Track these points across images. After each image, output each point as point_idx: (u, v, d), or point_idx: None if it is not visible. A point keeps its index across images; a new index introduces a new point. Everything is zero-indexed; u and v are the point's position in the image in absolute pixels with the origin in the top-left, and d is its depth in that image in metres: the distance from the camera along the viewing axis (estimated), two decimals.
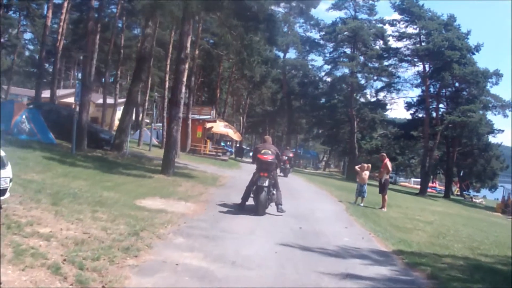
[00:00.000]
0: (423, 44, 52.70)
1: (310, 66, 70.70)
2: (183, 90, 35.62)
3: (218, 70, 66.13)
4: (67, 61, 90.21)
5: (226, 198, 15.62)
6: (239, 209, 13.66)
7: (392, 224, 15.32)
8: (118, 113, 70.36)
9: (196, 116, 46.86)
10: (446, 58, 49.41)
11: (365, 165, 20.96)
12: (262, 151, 13.99)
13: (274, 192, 14.04)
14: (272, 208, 14.04)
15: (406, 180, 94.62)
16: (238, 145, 71.25)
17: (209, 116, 47.96)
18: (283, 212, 13.68)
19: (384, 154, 20.94)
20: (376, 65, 61.40)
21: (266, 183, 13.34)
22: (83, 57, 25.47)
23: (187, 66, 36.42)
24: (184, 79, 35.74)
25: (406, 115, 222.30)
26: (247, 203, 13.92)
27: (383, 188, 19.84)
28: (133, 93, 27.37)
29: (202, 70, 70.43)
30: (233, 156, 59.75)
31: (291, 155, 37.37)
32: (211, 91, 71.11)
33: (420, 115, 58.38)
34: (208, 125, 50.25)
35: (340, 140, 74.93)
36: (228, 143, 72.99)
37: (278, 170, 16.86)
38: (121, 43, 52.19)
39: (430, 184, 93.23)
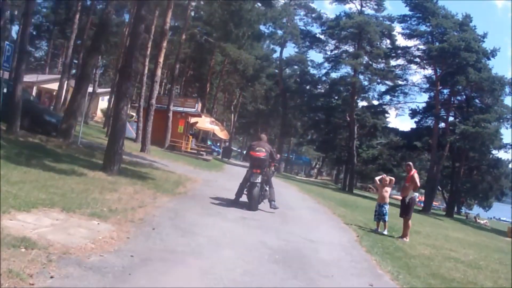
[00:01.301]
0: (436, 44, 47.17)
1: (309, 63, 64.29)
2: (159, 72, 30.62)
3: (210, 63, 61.01)
4: (55, 48, 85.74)
5: (180, 214, 10.34)
6: (233, 204, 13.66)
7: (433, 272, 9.96)
8: (101, 103, 66.05)
9: (179, 109, 41.47)
10: (462, 60, 44.05)
11: (387, 178, 15.39)
12: (256, 148, 14.08)
13: (267, 188, 14.32)
14: (265, 205, 14.21)
15: (399, 193, 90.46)
16: (227, 144, 66.00)
17: (194, 110, 42.48)
18: (276, 209, 14.10)
19: (410, 163, 15.21)
20: (382, 65, 55.82)
21: (259, 180, 13.61)
22: (22, 15, 20.03)
23: (164, 44, 31.21)
24: (161, 59, 30.88)
25: (408, 124, 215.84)
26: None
27: (407, 210, 14.31)
28: (88, 67, 21.51)
29: (193, 62, 65.64)
30: (220, 156, 54.58)
31: (277, 157, 32.45)
32: (202, 85, 65.65)
33: (425, 124, 53.22)
34: (193, 120, 45.27)
35: (335, 147, 69.21)
36: (217, 143, 67.71)
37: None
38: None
39: (419, 198, 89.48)
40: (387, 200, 14.84)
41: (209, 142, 62.29)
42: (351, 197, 36.13)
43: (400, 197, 15.91)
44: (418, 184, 14.39)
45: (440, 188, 61.94)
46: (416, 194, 14.75)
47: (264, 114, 77.68)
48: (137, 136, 35.84)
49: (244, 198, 13.94)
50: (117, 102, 15.19)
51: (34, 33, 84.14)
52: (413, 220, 16.93)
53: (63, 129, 20.67)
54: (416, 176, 14.38)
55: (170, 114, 38.64)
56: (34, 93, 59.97)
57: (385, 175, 15.70)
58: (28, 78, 60.09)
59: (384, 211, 14.67)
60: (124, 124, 15.30)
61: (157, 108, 39.62)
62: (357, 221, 16.11)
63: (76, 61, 54.87)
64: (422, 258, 11.42)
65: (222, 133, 52.53)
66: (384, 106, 58.42)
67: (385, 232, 14.41)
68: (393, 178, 15.59)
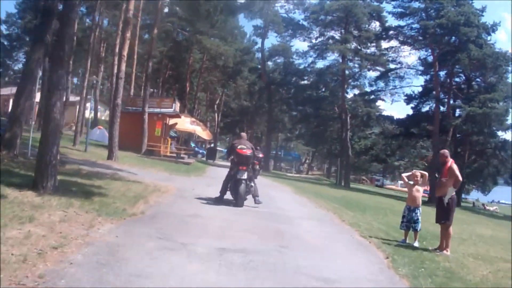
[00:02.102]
0: (431, 21, 43.20)
1: (294, 52, 59.62)
2: (124, 67, 26.43)
3: (188, 61, 57.48)
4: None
5: (118, 257, 6.45)
6: (218, 202, 13.92)
7: None
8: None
9: (156, 110, 38.12)
10: (462, 36, 40.53)
11: (418, 172, 11.67)
12: (239, 146, 14.27)
13: (252, 184, 14.46)
14: (250, 201, 14.18)
15: (392, 183, 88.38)
16: (212, 145, 62.22)
17: (171, 110, 38.66)
18: (260, 204, 14.19)
19: (446, 151, 11.44)
20: (372, 49, 52.08)
21: (245, 176, 13.88)
22: None
23: (128, 35, 27.03)
24: (125, 52, 26.85)
25: (398, 112, 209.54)
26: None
27: (446, 214, 10.67)
28: (31, 63, 17.63)
29: (171, 61, 62.20)
30: (204, 158, 50.96)
31: (261, 155, 30.82)
32: (182, 86, 61.93)
33: (422, 109, 49.70)
34: (171, 121, 41.55)
35: (326, 140, 65.42)
36: (203, 145, 63.93)
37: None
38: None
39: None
40: (419, 202, 11.22)
41: (192, 144, 58.75)
42: (352, 194, 32.53)
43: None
44: (460, 177, 10.70)
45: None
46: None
47: (249, 112, 73.94)
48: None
49: (227, 196, 14.25)
50: (48, 97, 11.21)
51: (6, 43, 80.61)
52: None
53: (7, 139, 16.92)
54: (455, 167, 10.69)
55: (146, 117, 35.50)
56: (10, 106, 56.47)
57: (415, 171, 11.93)
58: (4, 91, 56.64)
59: (416, 217, 11.07)
60: (58, 125, 11.27)
61: (132, 111, 36.76)
62: (376, 230, 12.52)
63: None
64: (489, 285, 7.84)
65: (204, 133, 48.45)
66: (378, 93, 54.36)
67: (416, 244, 10.88)
68: (425, 173, 11.88)
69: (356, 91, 58.31)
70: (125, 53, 24.77)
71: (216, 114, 75.53)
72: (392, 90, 52.24)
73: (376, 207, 22.25)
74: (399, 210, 13.26)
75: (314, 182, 46.67)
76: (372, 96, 54.57)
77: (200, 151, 60.88)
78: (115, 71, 34.33)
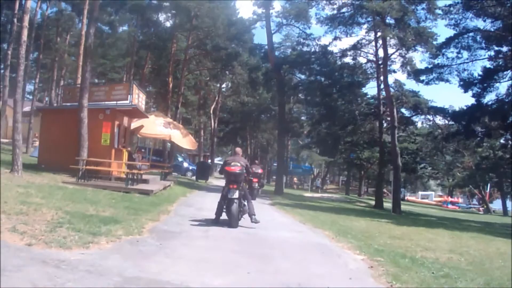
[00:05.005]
0: None
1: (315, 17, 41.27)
2: None
3: (170, 50, 43.75)
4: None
5: None
6: (213, 223, 13.32)
7: None
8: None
9: (109, 104, 23.70)
10: None
11: None
12: (232, 164, 13.76)
13: (246, 203, 13.90)
14: (246, 220, 13.60)
15: (410, 194, 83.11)
16: (208, 159, 48.30)
17: (126, 102, 23.63)
18: (258, 223, 13.59)
19: None
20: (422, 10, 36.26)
21: (236, 195, 13.33)
22: None
23: None
24: None
25: (449, 103, 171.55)
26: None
27: None
28: None
29: (150, 51, 48.92)
30: (194, 177, 38.43)
31: (260, 171, 28.45)
32: (163, 83, 48.29)
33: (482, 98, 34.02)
34: (134, 123, 27.34)
35: (356, 145, 51.10)
36: (204, 159, 49.19)
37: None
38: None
39: (451, 200, 74.69)
40: None
41: (179, 158, 44.84)
42: (443, 240, 17.31)
43: None
44: None
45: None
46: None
47: (251, 118, 62.79)
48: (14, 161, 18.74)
49: (224, 216, 13.45)
50: None
51: None
52: None
53: None
54: None
55: (84, 115, 21.40)
56: None
57: None
58: None
59: None
60: None
61: (64, 108, 24.03)
62: None
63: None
64: None
65: (184, 141, 31.46)
66: (440, 70, 35.20)
67: None
68: None
69: (393, 79, 42.34)
70: None
71: (212, 121, 60.68)
72: (460, 65, 35.35)
73: None
74: None
75: (350, 208, 31.64)
76: (433, 75, 35.56)
77: (191, 167, 46.54)
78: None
